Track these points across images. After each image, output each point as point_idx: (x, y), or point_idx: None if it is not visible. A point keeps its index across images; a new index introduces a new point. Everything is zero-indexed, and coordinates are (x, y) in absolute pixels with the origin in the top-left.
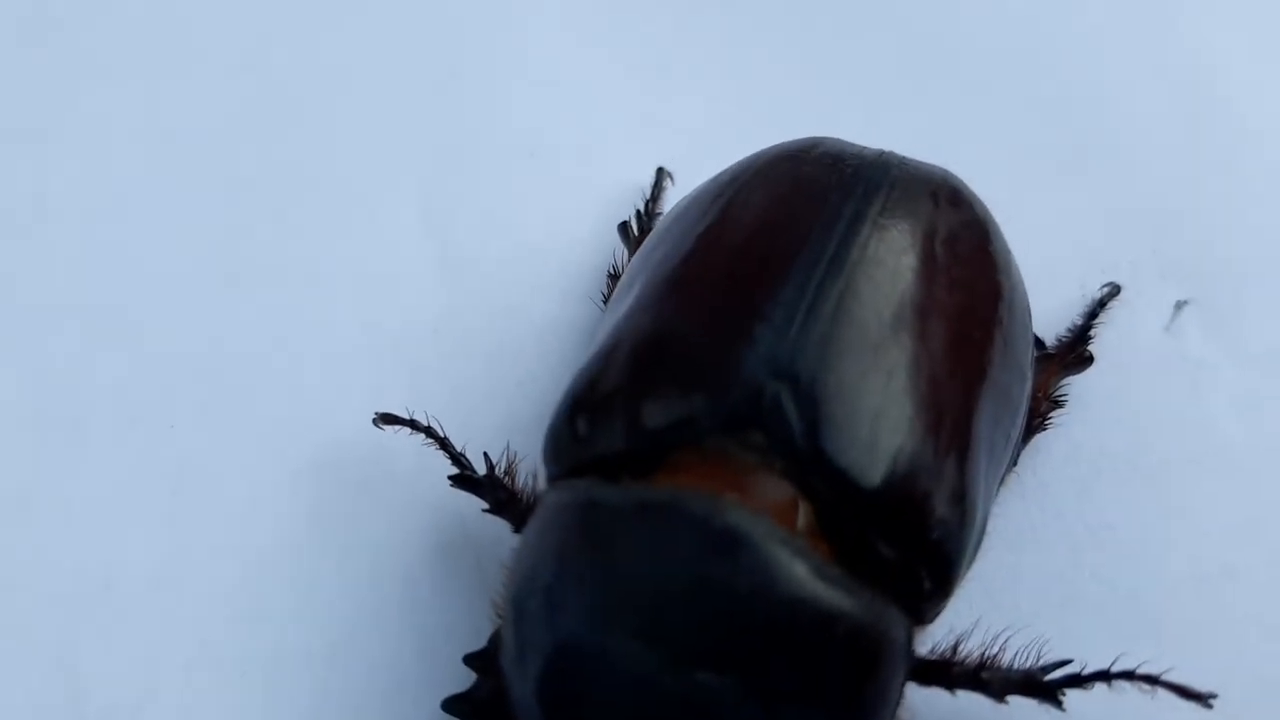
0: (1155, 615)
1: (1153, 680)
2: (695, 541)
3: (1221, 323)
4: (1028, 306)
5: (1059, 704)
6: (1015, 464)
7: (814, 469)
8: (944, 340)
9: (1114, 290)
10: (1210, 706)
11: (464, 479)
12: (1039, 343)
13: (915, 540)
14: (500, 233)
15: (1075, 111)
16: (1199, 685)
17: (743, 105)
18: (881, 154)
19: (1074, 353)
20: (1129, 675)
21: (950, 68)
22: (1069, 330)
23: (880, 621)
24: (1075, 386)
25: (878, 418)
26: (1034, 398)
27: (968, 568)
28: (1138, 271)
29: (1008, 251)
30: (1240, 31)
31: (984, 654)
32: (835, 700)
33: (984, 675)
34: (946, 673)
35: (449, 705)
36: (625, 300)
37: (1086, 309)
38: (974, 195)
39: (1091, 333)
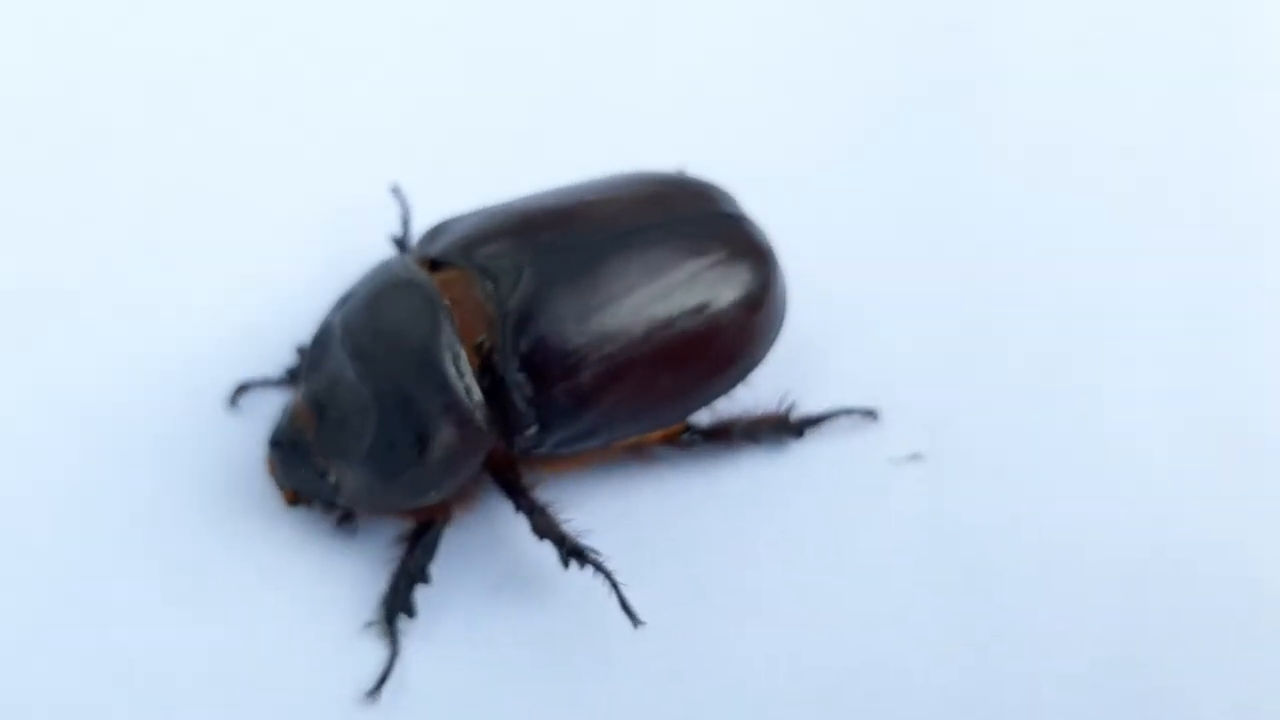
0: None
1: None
2: (410, 305)
3: (938, 487)
4: (746, 369)
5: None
6: (689, 446)
7: (505, 322)
8: (643, 329)
9: (870, 413)
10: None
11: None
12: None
13: (536, 398)
14: None
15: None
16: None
17: None
18: (739, 213)
19: (792, 423)
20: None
21: None
22: (809, 416)
23: (469, 414)
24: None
25: (562, 321)
26: (725, 425)
27: (568, 445)
28: (905, 414)
29: (768, 322)
30: None
31: (550, 507)
32: (414, 438)
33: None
34: (517, 487)
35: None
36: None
37: (836, 408)
38: (774, 277)
39: (822, 424)
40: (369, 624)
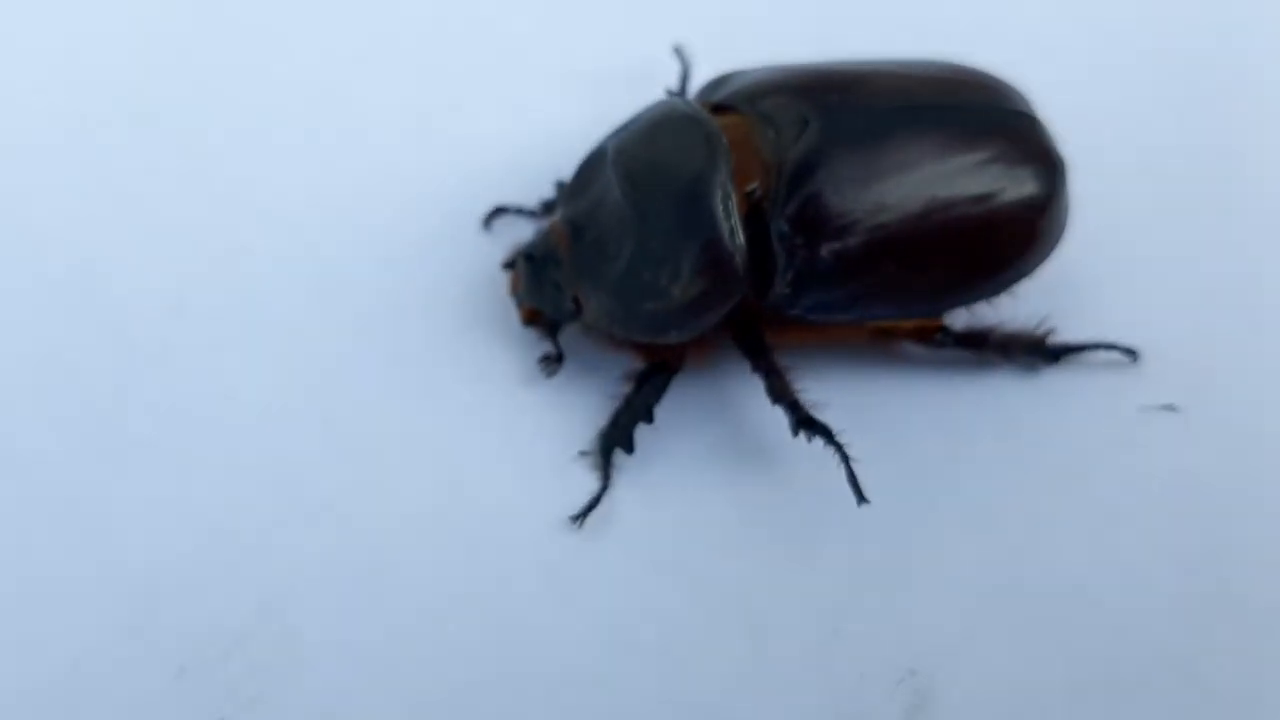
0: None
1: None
2: (689, 139)
3: (1190, 435)
4: (1016, 275)
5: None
6: (939, 346)
7: (782, 172)
8: (921, 206)
9: (1130, 354)
10: (860, 500)
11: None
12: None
13: (796, 255)
14: None
15: None
16: None
17: None
18: (1035, 115)
19: (1048, 348)
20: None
21: None
22: (1067, 344)
23: (729, 256)
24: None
25: (841, 181)
26: (980, 333)
27: (819, 312)
28: (1165, 363)
29: (1048, 230)
30: None
31: (788, 373)
32: (670, 270)
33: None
34: (758, 347)
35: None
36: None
37: (1097, 341)
38: (1060, 185)
39: (1079, 355)
40: (582, 453)
